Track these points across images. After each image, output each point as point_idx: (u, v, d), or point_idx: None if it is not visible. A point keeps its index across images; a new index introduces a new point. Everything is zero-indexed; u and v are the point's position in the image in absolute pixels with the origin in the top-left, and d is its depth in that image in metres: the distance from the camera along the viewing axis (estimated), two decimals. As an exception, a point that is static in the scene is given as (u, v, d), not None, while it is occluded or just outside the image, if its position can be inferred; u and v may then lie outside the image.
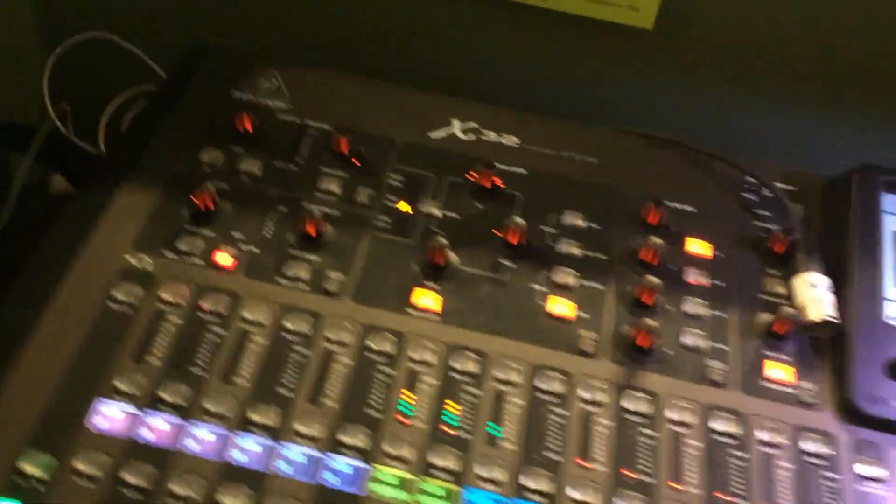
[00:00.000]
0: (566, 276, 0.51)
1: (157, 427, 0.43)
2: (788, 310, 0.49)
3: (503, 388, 0.46)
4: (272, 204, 0.52)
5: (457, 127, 0.59)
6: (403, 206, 0.54)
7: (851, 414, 0.46)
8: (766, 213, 0.56)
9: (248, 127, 0.55)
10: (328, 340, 0.47)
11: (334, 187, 0.54)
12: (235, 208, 0.52)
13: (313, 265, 0.50)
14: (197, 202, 0.50)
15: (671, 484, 0.43)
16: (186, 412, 0.43)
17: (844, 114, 0.65)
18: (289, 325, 0.47)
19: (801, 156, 0.66)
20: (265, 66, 0.60)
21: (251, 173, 0.54)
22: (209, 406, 0.43)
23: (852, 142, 0.66)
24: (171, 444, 0.42)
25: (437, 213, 0.54)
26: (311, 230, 0.50)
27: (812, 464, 0.45)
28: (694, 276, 0.52)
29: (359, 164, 0.55)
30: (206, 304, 0.47)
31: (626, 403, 0.46)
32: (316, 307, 0.48)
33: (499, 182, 0.55)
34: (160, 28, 0.72)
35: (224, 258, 0.49)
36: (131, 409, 0.43)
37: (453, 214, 0.54)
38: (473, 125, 0.59)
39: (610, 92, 0.68)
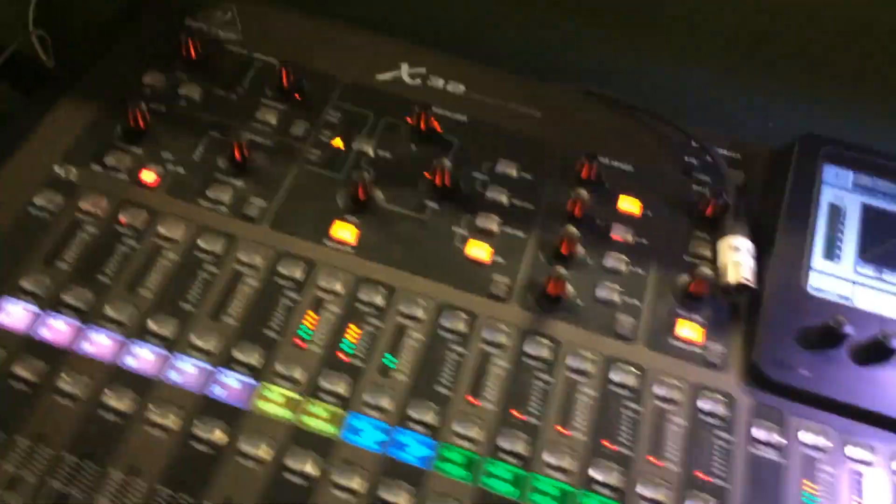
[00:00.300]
0: (489, 222, 0.51)
1: (56, 327, 0.43)
2: (705, 270, 0.48)
3: (406, 322, 0.46)
4: (206, 129, 0.53)
5: (405, 71, 0.59)
6: (337, 142, 0.54)
7: (756, 378, 0.46)
8: (706, 179, 0.55)
9: (193, 54, 0.56)
10: (239, 262, 0.47)
11: (271, 118, 0.54)
12: (169, 130, 0.52)
13: (237, 190, 0.50)
14: (129, 120, 0.51)
15: (558, 428, 0.43)
16: (87, 316, 0.44)
17: (803, 87, 0.63)
18: (202, 244, 0.48)
19: (757, 130, 0.65)
20: None
21: (190, 98, 0.54)
22: (110, 313, 0.44)
23: (812, 116, 0.64)
24: (67, 345, 0.43)
25: (370, 151, 0.54)
26: (238, 155, 0.51)
27: (706, 422, 0.44)
28: (619, 233, 0.51)
29: (299, 98, 0.56)
30: (124, 218, 0.48)
31: (527, 348, 0.46)
32: (232, 229, 0.49)
33: (436, 126, 0.55)
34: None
35: (148, 175, 0.50)
36: (34, 308, 0.44)
37: (386, 154, 0.54)
38: (422, 70, 0.59)
39: (571, 51, 0.68)
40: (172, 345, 0.44)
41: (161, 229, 0.48)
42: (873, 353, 0.45)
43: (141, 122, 0.51)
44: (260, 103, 0.55)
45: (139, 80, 0.55)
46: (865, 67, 0.62)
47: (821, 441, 0.44)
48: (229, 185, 0.50)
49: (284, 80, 0.55)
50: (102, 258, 0.46)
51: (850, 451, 0.43)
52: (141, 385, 0.42)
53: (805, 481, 0.43)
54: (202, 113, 0.54)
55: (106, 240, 0.47)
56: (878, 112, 0.62)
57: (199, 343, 0.44)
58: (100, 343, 0.43)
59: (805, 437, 0.44)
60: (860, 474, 0.43)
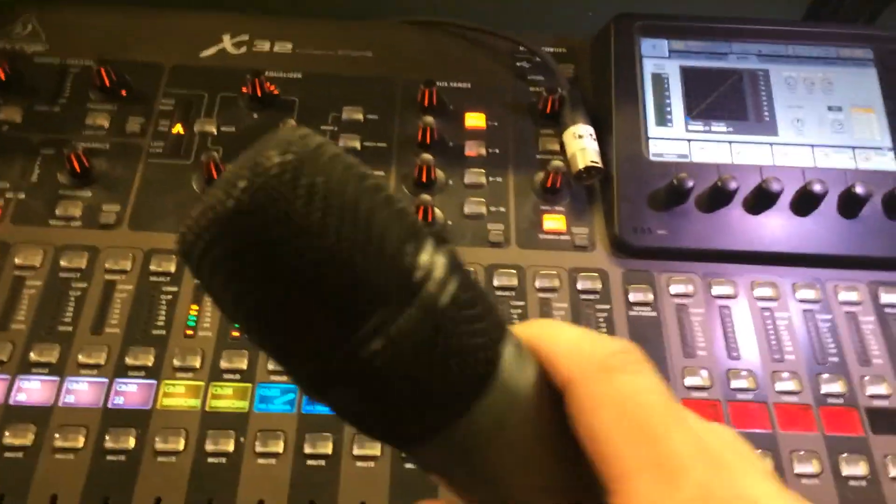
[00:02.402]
0: (347, 170, 0.52)
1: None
2: (556, 163, 0.51)
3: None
4: (36, 148, 0.51)
5: (227, 42, 0.58)
6: (177, 129, 0.53)
7: (621, 248, 0.49)
8: (539, 79, 0.57)
9: (2, 75, 0.53)
10: (107, 271, 0.47)
11: (103, 121, 0.53)
12: (-3, 159, 0.50)
13: (86, 201, 0.49)
14: (-49, 158, 0.49)
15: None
16: (-36, 365, 0.43)
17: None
18: (64, 263, 0.47)
19: (577, 22, 0.68)
20: (23, 10, 0.58)
21: (11, 121, 0.52)
22: (-12, 355, 0.43)
23: None
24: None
25: (213, 129, 0.53)
26: (77, 166, 0.49)
27: (586, 300, 0.47)
28: (472, 148, 0.53)
29: (126, 94, 0.54)
30: (-26, 258, 0.46)
31: (410, 278, 0.48)
32: (92, 241, 0.48)
33: (273, 89, 0.55)
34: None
35: (-12, 210, 0.48)
36: None
37: (229, 128, 0.53)
38: (245, 38, 0.58)
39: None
40: (61, 370, 0.43)
41: (17, 260, 0.46)
42: (716, 199, 0.49)
43: (-36, 158, 0.49)
44: (87, 109, 0.53)
45: (-49, 115, 0.52)
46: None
47: (687, 288, 0.48)
48: (77, 198, 0.49)
49: (106, 80, 0.53)
50: (-37, 304, 0.45)
51: (716, 290, 0.48)
52: (35, 415, 0.42)
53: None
54: (29, 133, 0.52)
55: (-39, 285, 0.45)
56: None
57: (87, 360, 0.43)
58: (-15, 387, 0.42)
59: (674, 288, 0.48)
60: (728, 308, 0.47)
